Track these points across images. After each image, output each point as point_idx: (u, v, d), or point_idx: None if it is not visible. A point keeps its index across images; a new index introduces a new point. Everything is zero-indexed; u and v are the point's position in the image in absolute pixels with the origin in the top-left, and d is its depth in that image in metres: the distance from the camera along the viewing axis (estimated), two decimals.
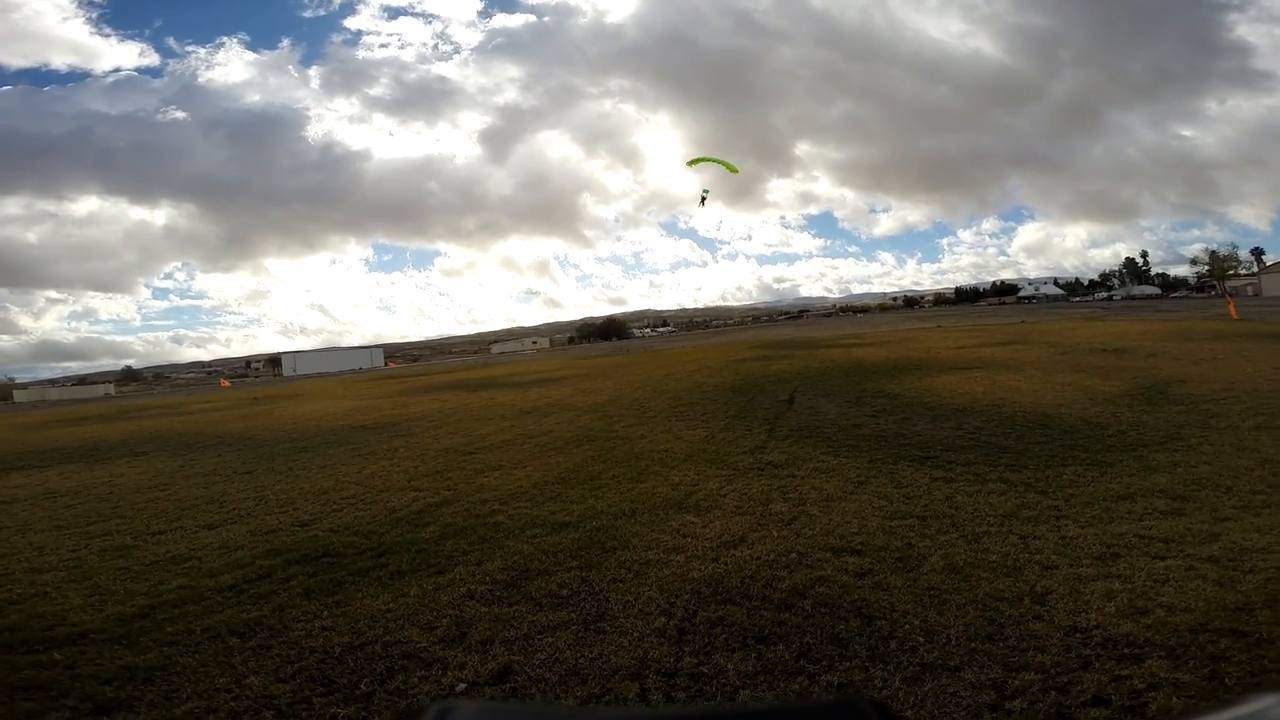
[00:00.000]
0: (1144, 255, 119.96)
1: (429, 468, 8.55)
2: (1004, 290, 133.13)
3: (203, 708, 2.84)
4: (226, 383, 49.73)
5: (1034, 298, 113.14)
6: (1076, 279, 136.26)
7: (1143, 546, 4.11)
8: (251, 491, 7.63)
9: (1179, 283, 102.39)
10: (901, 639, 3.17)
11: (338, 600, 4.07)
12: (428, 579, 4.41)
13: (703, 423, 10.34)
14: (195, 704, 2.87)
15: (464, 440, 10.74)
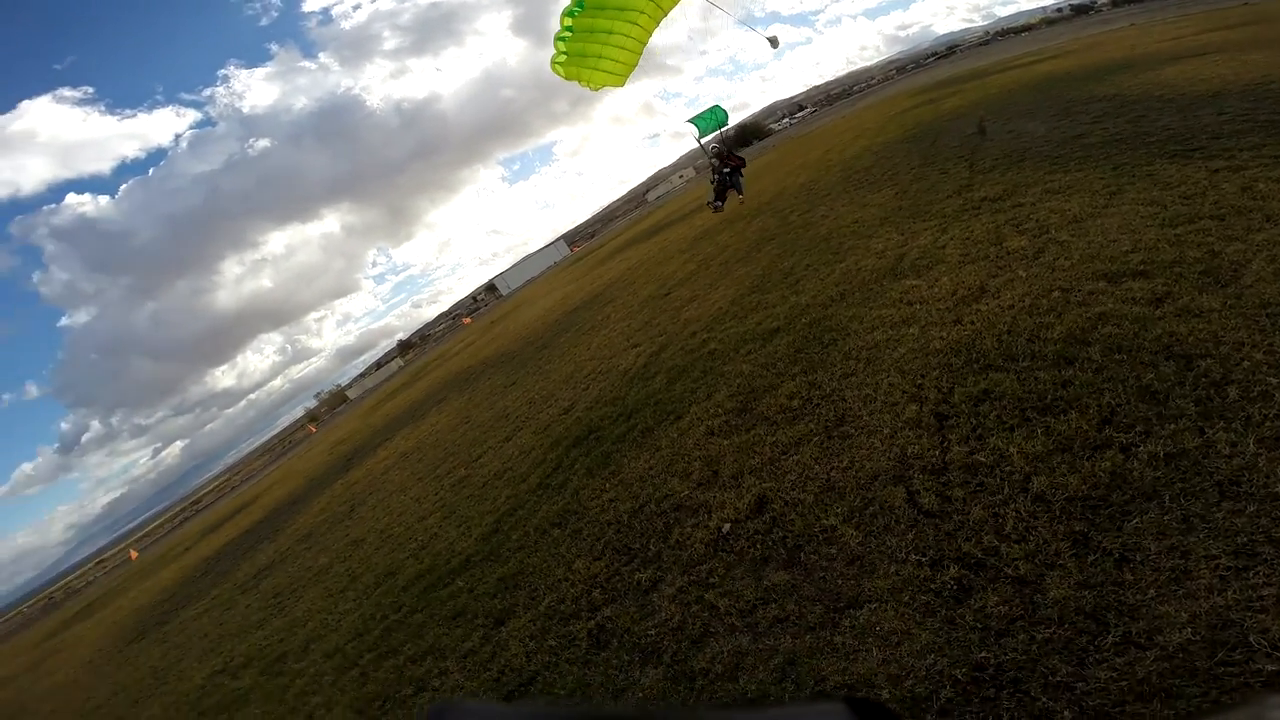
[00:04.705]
0: None
1: (638, 321, 9.13)
2: None
3: (555, 599, 3.47)
4: (468, 320, 58.74)
5: None
6: None
7: None
8: (521, 397, 8.97)
9: None
10: (1243, 383, 2.37)
11: (611, 471, 4.61)
12: (670, 427, 4.73)
13: (886, 182, 9.28)
14: (550, 598, 3.52)
15: (656, 286, 11.12)
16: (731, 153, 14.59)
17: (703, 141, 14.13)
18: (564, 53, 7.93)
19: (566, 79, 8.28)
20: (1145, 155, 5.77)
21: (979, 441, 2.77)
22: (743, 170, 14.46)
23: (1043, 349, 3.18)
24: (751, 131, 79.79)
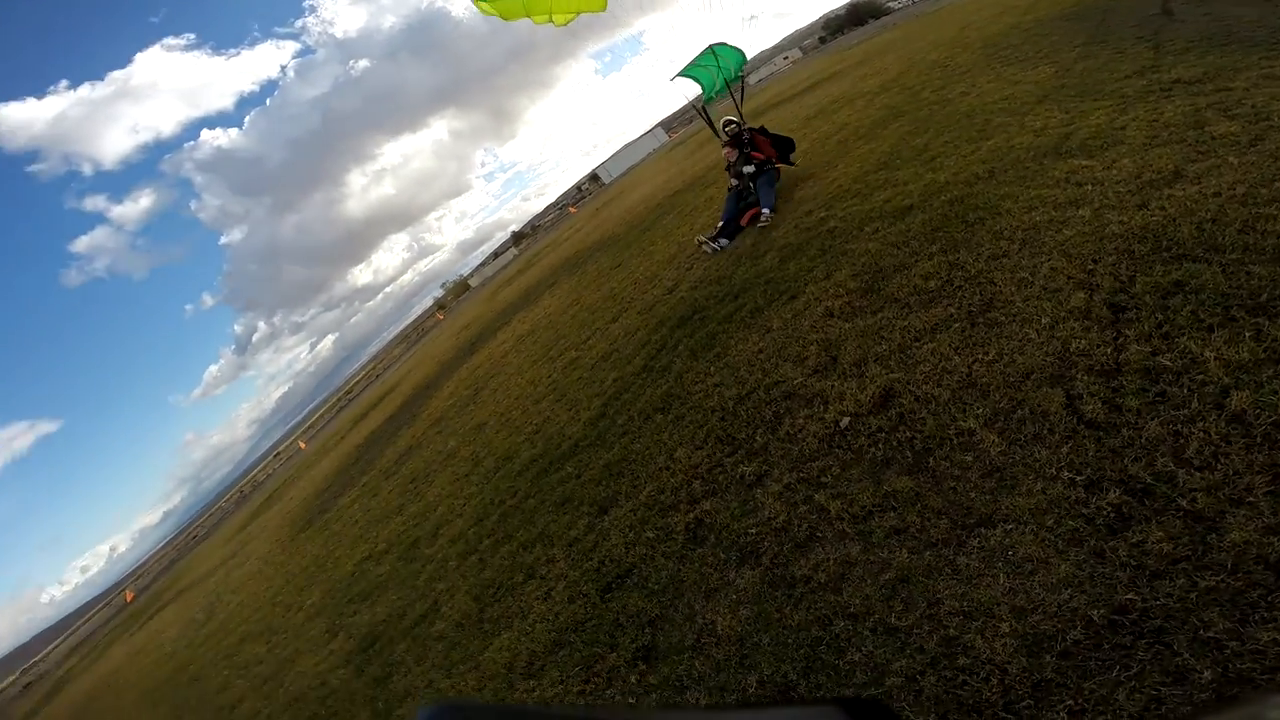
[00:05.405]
0: None
1: None
2: None
3: (655, 489, 3.47)
4: (573, 209, 58.91)
5: None
6: None
7: None
8: (626, 278, 8.91)
9: None
10: None
11: (716, 353, 4.46)
12: (784, 307, 4.43)
13: (1043, 60, 7.82)
14: (651, 487, 3.52)
15: None
16: (761, 132, 7.70)
17: (705, 109, 8.51)
18: None
19: (505, 18, 5.56)
20: None
21: (1164, 341, 2.24)
22: (791, 158, 7.79)
23: (1260, 242, 2.49)
24: (867, 10, 68.80)
